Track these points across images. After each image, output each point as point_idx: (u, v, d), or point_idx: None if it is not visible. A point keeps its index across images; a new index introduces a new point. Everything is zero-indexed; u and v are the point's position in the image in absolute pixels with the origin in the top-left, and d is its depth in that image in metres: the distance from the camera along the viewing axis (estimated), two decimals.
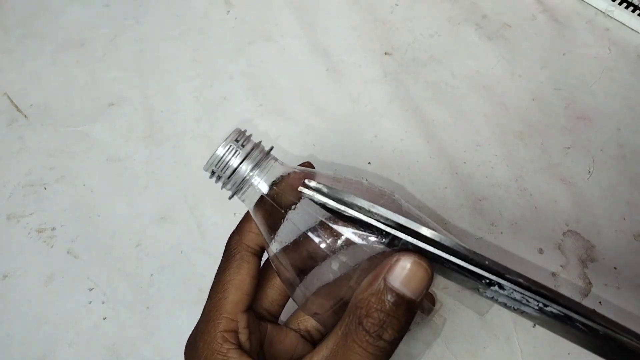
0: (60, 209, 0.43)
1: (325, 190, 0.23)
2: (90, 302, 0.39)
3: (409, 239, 0.22)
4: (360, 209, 0.22)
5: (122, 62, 0.52)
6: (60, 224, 0.43)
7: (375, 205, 0.22)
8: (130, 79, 0.50)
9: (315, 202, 0.23)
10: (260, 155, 0.25)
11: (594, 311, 0.22)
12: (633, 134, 0.45)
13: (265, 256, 0.27)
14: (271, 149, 0.26)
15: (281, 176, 0.25)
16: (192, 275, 0.40)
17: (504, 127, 0.46)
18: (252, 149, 0.25)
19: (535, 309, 0.23)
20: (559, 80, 0.48)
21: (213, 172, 0.25)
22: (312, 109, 0.48)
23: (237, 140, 0.25)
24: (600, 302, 0.37)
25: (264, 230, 0.26)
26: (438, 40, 0.51)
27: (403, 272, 0.21)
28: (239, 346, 0.25)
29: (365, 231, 0.23)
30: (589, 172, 0.43)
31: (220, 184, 0.26)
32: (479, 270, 0.22)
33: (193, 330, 0.27)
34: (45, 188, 0.45)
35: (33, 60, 0.52)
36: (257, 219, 0.26)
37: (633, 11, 0.50)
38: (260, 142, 0.26)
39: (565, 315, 0.22)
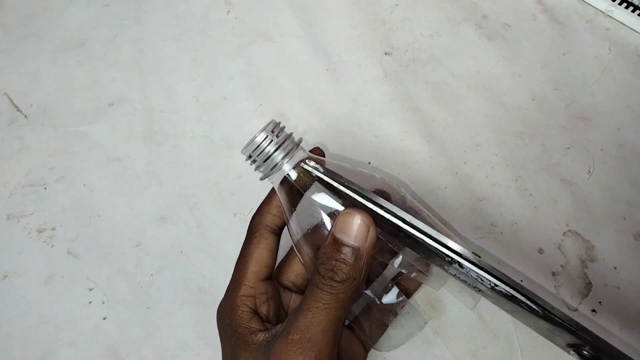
0: (60, 209, 0.43)
1: (320, 168, 0.29)
2: (90, 302, 0.39)
3: (382, 212, 0.27)
4: (340, 183, 0.28)
5: (122, 62, 0.52)
6: (60, 224, 0.43)
7: (353, 183, 0.27)
8: (130, 79, 0.50)
9: (313, 175, 0.28)
10: (291, 145, 0.29)
11: (534, 294, 0.26)
12: (633, 134, 0.45)
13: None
14: (300, 140, 0.30)
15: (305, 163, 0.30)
16: (192, 275, 0.40)
17: (504, 127, 0.46)
18: (284, 140, 0.29)
19: (488, 287, 0.27)
20: (559, 80, 0.48)
21: (250, 157, 0.29)
22: (312, 109, 0.48)
23: (272, 131, 0.29)
24: (600, 302, 0.37)
25: (286, 207, 0.30)
26: (438, 40, 0.51)
27: (345, 224, 0.26)
28: (255, 310, 0.29)
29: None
30: (589, 172, 0.43)
31: (254, 166, 0.30)
32: (442, 249, 0.27)
33: (224, 296, 0.31)
34: (45, 188, 0.45)
35: (33, 60, 0.52)
36: (281, 197, 0.30)
37: (633, 11, 0.50)
38: (291, 134, 0.30)
39: (511, 295, 0.26)
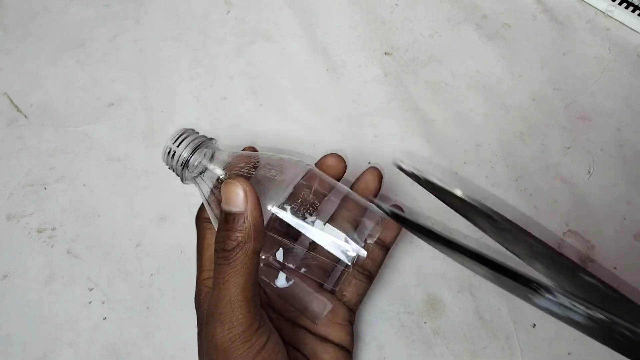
0: (60, 209, 0.43)
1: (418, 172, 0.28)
2: (90, 302, 0.39)
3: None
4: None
5: (122, 62, 0.52)
6: (60, 224, 0.43)
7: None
8: (130, 79, 0.50)
9: (407, 174, 0.28)
10: (198, 142, 0.32)
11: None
12: (633, 134, 0.45)
13: None
14: (211, 139, 0.33)
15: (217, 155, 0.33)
16: (192, 275, 0.40)
17: (504, 127, 0.46)
18: (191, 141, 0.32)
19: (584, 316, 0.21)
20: (559, 80, 0.48)
21: (168, 166, 0.33)
22: (312, 109, 0.48)
23: (176, 139, 0.33)
24: None
25: (204, 193, 0.33)
26: (438, 40, 0.51)
27: (225, 194, 0.27)
28: None
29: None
30: (589, 172, 0.43)
31: (173, 171, 0.33)
32: (529, 276, 0.22)
33: None
34: (45, 188, 0.45)
35: (33, 60, 0.52)
36: (199, 188, 0.33)
37: (633, 11, 0.50)
38: (201, 135, 0.33)
39: (611, 321, 0.21)
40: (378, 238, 0.35)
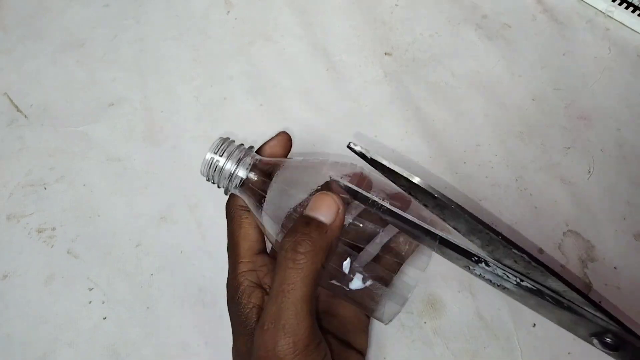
0: (60, 209, 0.43)
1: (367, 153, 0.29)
2: (90, 302, 0.39)
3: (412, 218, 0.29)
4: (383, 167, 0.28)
5: (122, 62, 0.52)
6: (60, 224, 0.43)
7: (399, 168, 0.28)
8: (130, 79, 0.50)
9: (356, 153, 0.29)
10: (241, 154, 0.32)
11: (564, 285, 0.27)
12: (633, 134, 0.45)
13: None
14: (251, 147, 0.33)
15: (259, 162, 0.32)
16: (192, 275, 0.40)
17: (504, 127, 0.46)
18: (233, 152, 0.31)
19: (514, 284, 0.28)
20: (559, 80, 0.48)
21: (208, 179, 0.32)
22: (312, 109, 0.48)
23: (216, 151, 0.32)
24: (600, 302, 0.37)
25: (252, 206, 0.32)
26: (438, 40, 0.51)
27: (315, 202, 0.28)
28: (257, 284, 0.30)
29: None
30: (589, 172, 0.43)
31: (215, 184, 0.32)
32: (470, 249, 0.28)
33: (227, 281, 0.32)
34: (45, 188, 0.45)
35: (33, 60, 0.52)
36: (246, 200, 0.32)
37: (633, 11, 0.50)
38: (239, 145, 0.32)
39: (537, 289, 0.27)
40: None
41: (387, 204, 0.29)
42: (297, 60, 0.51)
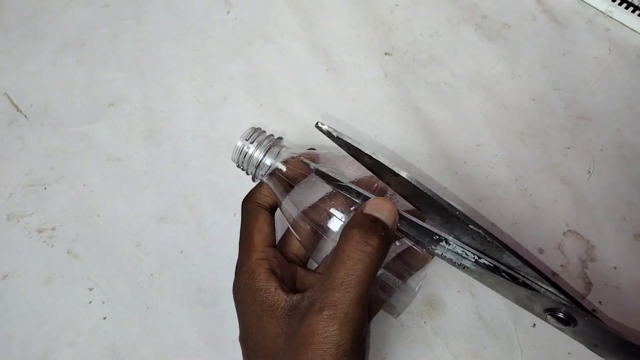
0: (60, 209, 0.43)
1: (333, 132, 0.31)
2: (90, 302, 0.39)
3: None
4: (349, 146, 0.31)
5: (122, 62, 0.52)
6: (60, 224, 0.43)
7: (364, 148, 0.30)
8: (130, 79, 0.50)
9: (324, 132, 0.32)
10: (269, 143, 0.33)
11: (522, 258, 0.28)
12: (633, 134, 0.45)
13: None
14: (279, 138, 0.34)
15: (290, 157, 0.33)
16: (192, 275, 0.40)
17: (504, 127, 0.46)
18: (262, 141, 0.33)
19: (472, 262, 0.29)
20: (559, 80, 0.48)
21: (238, 165, 0.34)
22: (312, 109, 0.48)
23: (248, 139, 0.33)
24: (600, 302, 0.37)
25: (278, 193, 0.33)
26: (438, 40, 0.51)
27: (374, 204, 0.29)
28: (271, 271, 0.31)
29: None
30: (589, 172, 0.43)
31: (245, 171, 0.34)
32: (431, 228, 0.30)
33: (235, 274, 0.32)
34: (45, 188, 0.45)
35: (33, 60, 0.52)
36: (273, 186, 0.34)
37: (633, 11, 0.50)
38: (270, 134, 0.34)
39: (494, 266, 0.29)
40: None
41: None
42: (297, 60, 0.51)
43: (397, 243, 0.33)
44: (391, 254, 0.34)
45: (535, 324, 0.37)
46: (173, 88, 0.50)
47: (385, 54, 0.51)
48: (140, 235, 0.42)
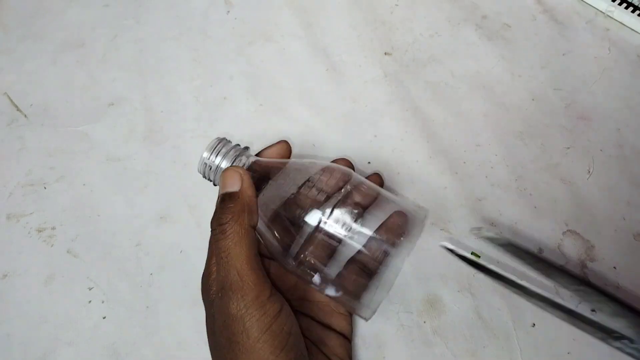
0: (60, 209, 0.43)
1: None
2: (90, 302, 0.39)
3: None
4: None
5: (122, 62, 0.52)
6: (60, 223, 0.43)
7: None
8: (130, 79, 0.50)
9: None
10: (236, 154, 0.33)
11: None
12: (633, 134, 0.45)
13: None
14: (246, 148, 0.34)
15: (254, 163, 0.33)
16: (192, 275, 0.40)
17: (504, 127, 0.46)
18: (228, 151, 0.33)
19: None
20: (559, 80, 0.48)
21: (204, 176, 0.34)
22: (312, 109, 0.48)
23: (213, 149, 0.33)
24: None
25: None
26: (438, 40, 0.51)
27: (222, 179, 0.31)
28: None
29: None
30: (589, 172, 0.43)
31: (211, 182, 0.34)
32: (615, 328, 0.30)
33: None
34: (45, 188, 0.45)
35: (33, 60, 0.52)
36: None
37: (633, 11, 0.50)
38: (235, 145, 0.34)
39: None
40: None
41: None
42: (297, 60, 0.51)
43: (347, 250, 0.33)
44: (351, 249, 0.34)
45: (534, 324, 0.37)
46: (173, 88, 0.50)
47: (385, 54, 0.51)
48: (140, 235, 0.42)
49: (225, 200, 0.30)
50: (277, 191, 0.32)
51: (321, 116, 0.47)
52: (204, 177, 0.34)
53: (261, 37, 0.53)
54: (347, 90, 0.48)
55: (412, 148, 0.45)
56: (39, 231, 0.42)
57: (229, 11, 0.55)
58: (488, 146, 0.45)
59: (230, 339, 0.28)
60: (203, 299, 0.32)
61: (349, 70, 0.50)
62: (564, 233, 0.40)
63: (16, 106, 0.49)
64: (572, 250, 0.39)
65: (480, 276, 0.39)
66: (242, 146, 0.34)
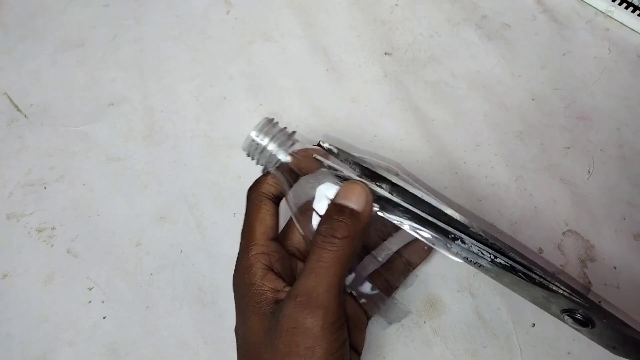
0: (60, 209, 0.43)
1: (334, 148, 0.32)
2: (89, 302, 0.39)
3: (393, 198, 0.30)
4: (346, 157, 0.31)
5: (122, 62, 0.52)
6: (60, 223, 0.43)
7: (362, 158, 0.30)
8: (130, 79, 0.50)
9: (324, 148, 0.32)
10: (283, 137, 0.32)
11: (533, 262, 0.28)
12: (633, 134, 0.45)
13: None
14: (293, 132, 0.33)
15: (302, 150, 0.33)
16: (192, 275, 0.40)
17: (504, 127, 0.46)
18: (276, 133, 0.32)
19: (488, 261, 0.29)
20: (559, 80, 0.48)
21: (248, 154, 0.33)
22: (312, 109, 0.48)
23: (261, 129, 0.32)
24: (599, 302, 0.37)
25: (285, 185, 0.33)
26: (438, 40, 0.51)
27: (346, 190, 0.29)
28: (269, 267, 0.31)
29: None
30: (589, 172, 0.43)
31: (255, 161, 0.33)
32: (447, 227, 0.29)
33: (235, 265, 0.32)
34: (45, 187, 0.45)
35: (33, 60, 0.52)
36: (281, 178, 0.33)
37: (633, 11, 0.50)
38: (284, 127, 0.33)
39: (510, 266, 0.28)
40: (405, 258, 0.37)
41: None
42: (297, 60, 0.51)
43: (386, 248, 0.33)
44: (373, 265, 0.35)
45: (534, 324, 0.37)
46: (173, 88, 0.50)
47: (385, 54, 0.51)
48: (140, 234, 0.42)
49: (344, 213, 0.28)
50: (309, 189, 0.32)
51: (321, 116, 0.47)
52: (248, 155, 0.33)
53: (261, 37, 0.53)
54: (347, 90, 0.49)
55: (412, 148, 0.45)
56: (39, 231, 0.42)
57: (229, 11, 0.55)
58: (488, 146, 0.45)
59: (292, 350, 0.27)
60: (239, 290, 0.31)
61: (349, 70, 0.50)
62: (564, 233, 0.40)
63: (16, 106, 0.49)
64: (572, 250, 0.39)
65: (481, 276, 0.39)
66: (290, 131, 0.34)
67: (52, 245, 0.42)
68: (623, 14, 0.51)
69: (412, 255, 0.37)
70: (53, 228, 0.43)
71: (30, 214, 0.43)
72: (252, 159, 0.33)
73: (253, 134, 0.32)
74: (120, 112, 0.48)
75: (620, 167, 0.43)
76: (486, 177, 0.43)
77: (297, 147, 0.33)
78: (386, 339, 0.37)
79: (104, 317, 0.39)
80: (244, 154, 0.33)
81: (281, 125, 0.33)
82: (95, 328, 0.38)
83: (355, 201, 0.29)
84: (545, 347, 0.36)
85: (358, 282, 0.33)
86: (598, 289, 0.38)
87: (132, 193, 0.44)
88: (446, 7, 0.53)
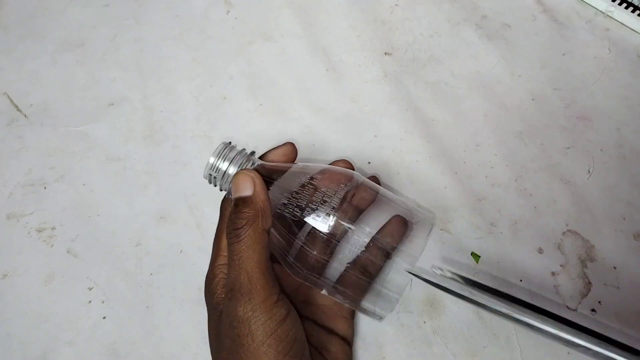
0: (60, 209, 0.43)
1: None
2: (89, 302, 0.39)
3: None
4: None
5: (122, 62, 0.52)
6: (60, 223, 0.43)
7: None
8: (130, 79, 0.50)
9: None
10: (242, 159, 0.33)
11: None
12: (633, 134, 0.45)
13: None
14: (252, 152, 0.34)
15: (260, 167, 0.33)
16: (192, 275, 0.40)
17: (504, 127, 0.46)
18: (234, 156, 0.33)
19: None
20: (559, 80, 0.48)
21: (210, 181, 0.33)
22: (312, 109, 0.48)
23: (219, 154, 0.33)
24: (599, 302, 0.37)
25: None
26: (438, 40, 0.51)
27: (234, 185, 0.31)
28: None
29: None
30: (589, 172, 0.43)
31: (217, 187, 0.34)
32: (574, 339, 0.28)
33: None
34: (45, 187, 0.45)
35: (33, 60, 0.52)
36: None
37: (633, 11, 0.50)
38: (242, 149, 0.34)
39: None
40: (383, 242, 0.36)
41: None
42: (297, 60, 0.51)
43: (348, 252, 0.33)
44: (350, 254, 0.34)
45: None
46: (173, 88, 0.50)
47: (385, 54, 0.51)
48: (140, 234, 0.42)
49: (238, 205, 0.30)
50: (279, 193, 0.33)
51: (321, 116, 0.47)
52: (210, 183, 0.34)
53: (261, 37, 0.53)
54: (347, 90, 0.48)
55: (412, 148, 0.45)
56: (39, 231, 0.42)
57: (229, 11, 0.55)
58: (488, 146, 0.45)
59: (235, 341, 0.28)
60: (206, 301, 0.32)
61: (349, 70, 0.50)
62: (564, 233, 0.40)
63: (16, 106, 0.49)
64: (572, 250, 0.39)
65: (481, 275, 0.39)
66: (248, 151, 0.34)
67: (52, 245, 0.42)
68: (623, 14, 0.51)
69: (386, 237, 0.36)
70: (53, 228, 0.43)
71: (30, 214, 0.43)
72: (215, 186, 0.34)
73: (211, 160, 0.33)
74: (120, 112, 0.48)
75: (620, 167, 0.43)
76: (486, 177, 0.43)
77: (257, 165, 0.34)
78: (386, 339, 0.37)
79: (104, 317, 0.39)
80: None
81: (239, 148, 0.34)
82: (95, 328, 0.38)
83: (242, 189, 0.30)
84: (545, 347, 0.36)
85: (326, 283, 0.33)
86: (598, 289, 0.38)
87: (132, 193, 0.44)
88: (446, 7, 0.53)
